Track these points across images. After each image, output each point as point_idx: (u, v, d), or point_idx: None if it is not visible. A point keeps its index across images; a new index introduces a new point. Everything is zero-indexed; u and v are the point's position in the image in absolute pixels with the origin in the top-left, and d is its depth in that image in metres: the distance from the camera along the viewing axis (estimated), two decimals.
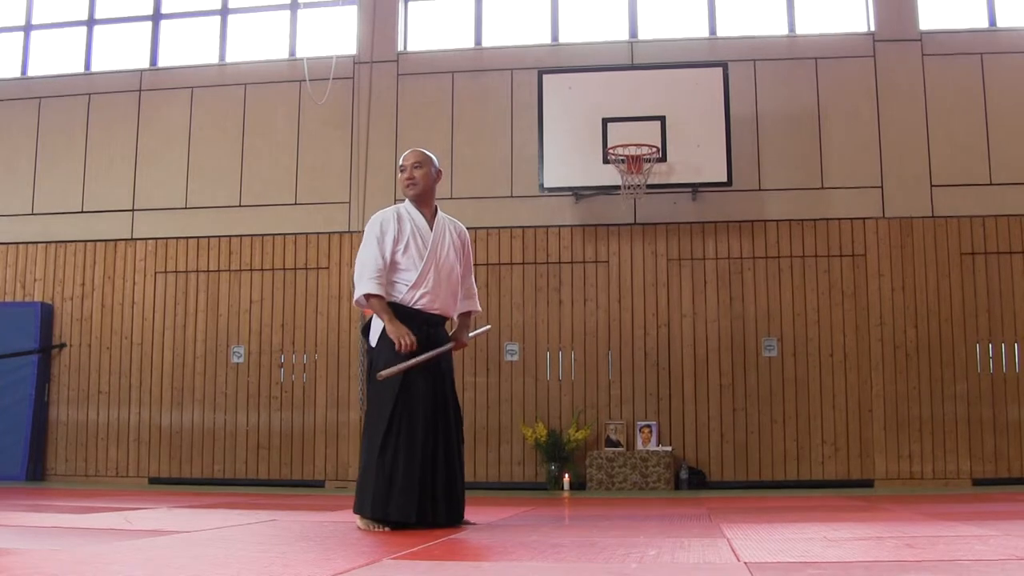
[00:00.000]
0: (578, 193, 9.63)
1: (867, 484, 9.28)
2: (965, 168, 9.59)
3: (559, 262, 9.77)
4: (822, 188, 9.67)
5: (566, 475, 9.21)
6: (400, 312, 4.57)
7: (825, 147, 9.73)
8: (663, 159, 9.27)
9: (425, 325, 4.62)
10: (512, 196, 9.86)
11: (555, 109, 9.53)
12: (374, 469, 4.43)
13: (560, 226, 9.79)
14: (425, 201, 4.75)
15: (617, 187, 9.29)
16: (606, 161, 9.32)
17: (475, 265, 9.20)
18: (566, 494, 8.68)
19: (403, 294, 4.62)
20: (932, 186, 9.58)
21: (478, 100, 10.08)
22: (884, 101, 9.73)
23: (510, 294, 9.80)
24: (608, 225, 9.70)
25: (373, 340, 4.63)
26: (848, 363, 9.49)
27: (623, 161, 9.21)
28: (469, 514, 4.87)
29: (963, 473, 9.28)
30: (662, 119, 9.37)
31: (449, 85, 10.12)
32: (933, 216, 9.56)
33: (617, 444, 9.40)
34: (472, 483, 9.04)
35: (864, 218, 9.60)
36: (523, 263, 9.80)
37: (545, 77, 9.59)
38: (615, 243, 9.70)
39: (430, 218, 4.74)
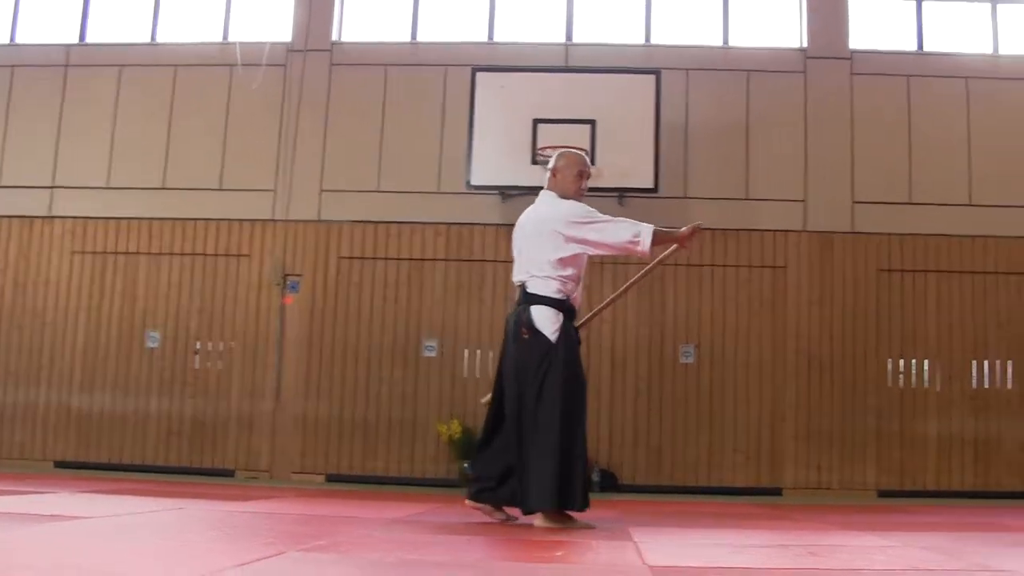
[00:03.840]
0: (505, 192, 11.96)
1: (776, 492, 11.65)
2: (886, 186, 12.12)
3: (482, 260, 12.15)
4: (747, 199, 12.20)
5: (468, 468, 11.56)
6: (566, 310, 6.09)
7: (752, 159, 12.28)
8: (591, 163, 11.71)
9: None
10: (439, 192, 12.26)
11: (487, 107, 11.83)
12: (572, 462, 5.82)
13: (485, 224, 12.17)
14: None
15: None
16: (535, 162, 11.45)
17: (398, 259, 11.69)
18: None
19: (574, 292, 6.15)
20: (854, 202, 12.14)
21: (410, 94, 12.48)
22: (812, 117, 12.30)
23: (431, 290, 12.15)
24: None
25: (551, 335, 5.96)
26: (763, 373, 11.99)
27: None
28: (390, 509, 6.77)
29: (869, 484, 11.76)
30: (593, 123, 11.67)
31: (382, 78, 12.53)
32: (853, 232, 12.10)
33: None
34: (384, 478, 11.52)
35: (786, 231, 12.11)
36: (446, 259, 12.19)
37: (479, 75, 11.93)
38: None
39: None
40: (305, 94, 12.48)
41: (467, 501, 6.24)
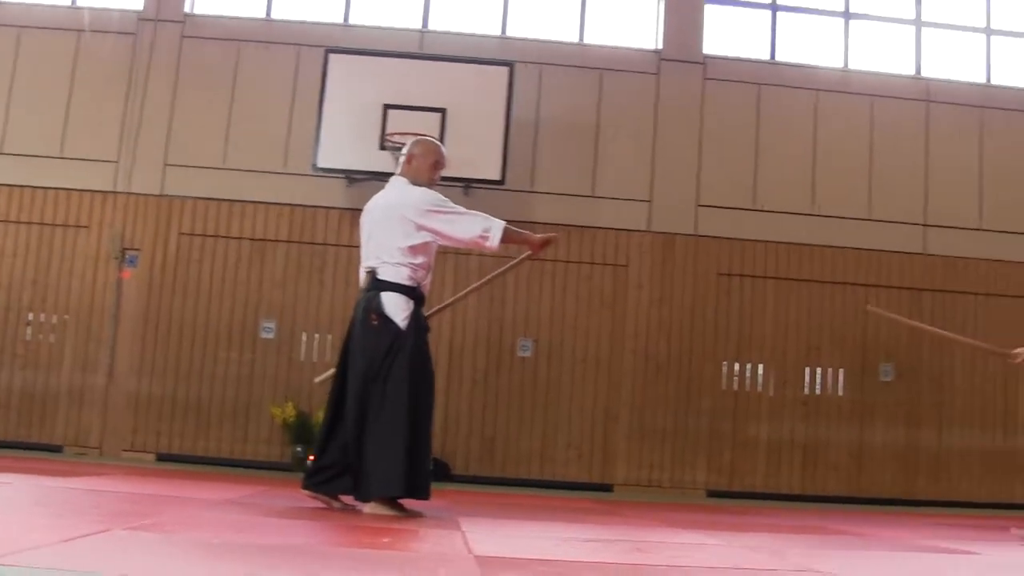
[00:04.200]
0: (351, 176, 12.09)
1: (607, 488, 11.98)
2: (731, 192, 12.52)
3: (325, 244, 12.29)
4: (593, 197, 12.50)
5: (312, 457, 11.71)
6: (417, 297, 6.18)
7: (600, 157, 12.58)
8: None
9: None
10: (285, 173, 12.38)
11: (338, 89, 11.93)
12: (419, 450, 5.93)
13: (329, 208, 12.30)
14: None
15: (391, 174, 11.83)
16: (383, 147, 11.68)
17: (240, 239, 11.77)
18: None
19: (425, 280, 6.25)
20: (698, 205, 12.53)
21: (262, 72, 12.51)
22: (662, 118, 12.64)
23: (272, 271, 12.27)
24: None
25: (401, 322, 6.05)
26: (600, 370, 12.31)
27: (399, 149, 11.77)
28: (220, 490, 6.88)
29: (699, 484, 12.17)
30: (443, 111, 11.84)
31: (235, 53, 12.55)
32: (696, 235, 12.52)
33: None
34: (216, 459, 11.61)
35: (630, 230, 12.48)
36: (288, 241, 12.28)
37: (331, 56, 12.01)
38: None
39: None
40: (154, 65, 12.47)
41: (304, 489, 6.28)
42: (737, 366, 12.38)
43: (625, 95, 12.67)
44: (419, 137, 6.81)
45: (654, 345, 12.32)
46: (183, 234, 12.24)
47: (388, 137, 11.77)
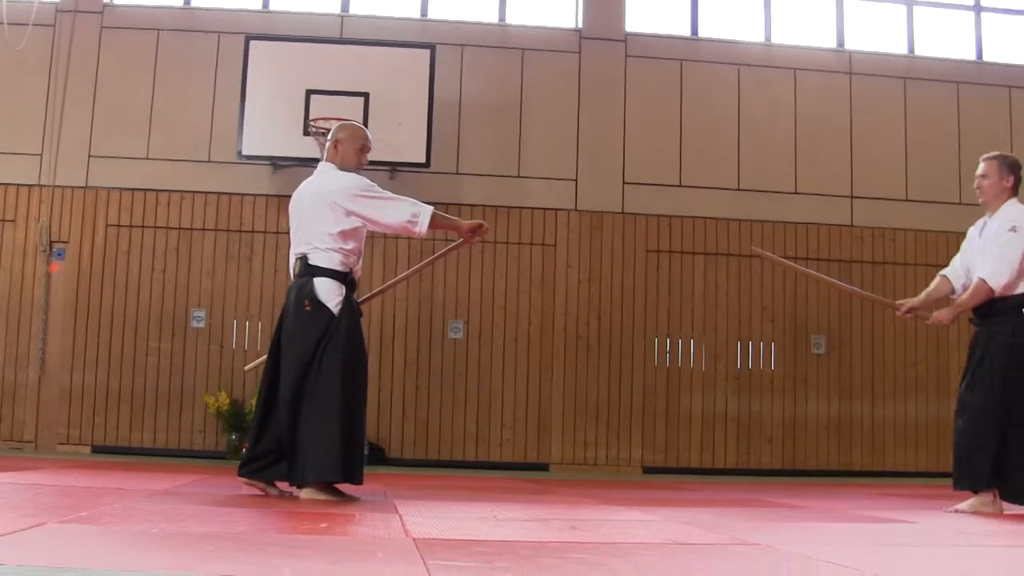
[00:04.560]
0: (276, 163, 12.29)
1: (543, 468, 12.27)
2: (656, 169, 12.80)
3: (252, 231, 12.52)
4: (519, 177, 12.77)
5: (246, 445, 11.97)
6: (349, 283, 6.28)
7: (525, 137, 12.85)
8: None
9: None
10: (209, 161, 12.60)
11: (260, 76, 12.11)
12: (352, 435, 6.04)
13: (256, 195, 12.55)
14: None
15: (316, 160, 12.04)
16: (307, 133, 11.88)
17: (167, 228, 11.99)
18: None
19: (356, 265, 6.34)
20: (624, 183, 12.83)
21: (183, 61, 12.70)
22: (585, 97, 12.92)
23: (200, 260, 12.47)
24: None
25: (334, 307, 6.15)
26: (531, 349, 12.58)
27: (323, 134, 11.99)
28: (156, 481, 6.96)
29: (635, 461, 12.47)
30: (366, 96, 12.07)
31: (154, 42, 12.72)
32: (623, 212, 12.80)
33: None
34: (151, 449, 11.83)
35: (557, 209, 12.75)
36: (216, 230, 12.50)
37: (252, 43, 12.18)
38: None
39: None
40: (74, 56, 12.66)
41: (240, 477, 6.38)
42: (669, 342, 12.67)
43: (548, 75, 12.93)
44: (343, 122, 6.94)
45: (585, 324, 12.60)
46: (110, 225, 12.44)
47: (312, 123, 11.98)
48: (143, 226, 12.45)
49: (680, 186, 12.82)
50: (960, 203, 12.99)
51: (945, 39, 13.66)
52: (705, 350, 12.74)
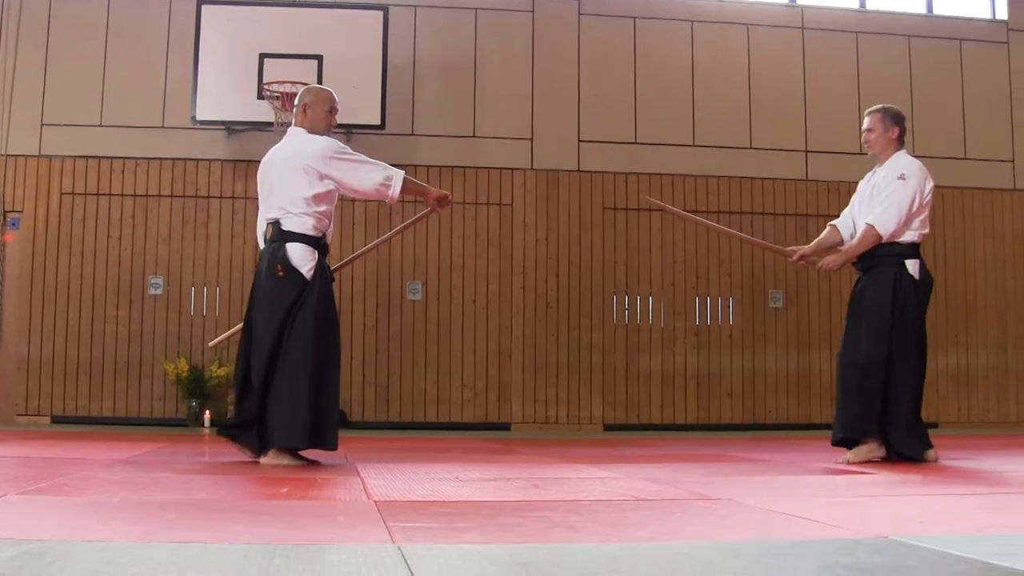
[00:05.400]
0: (231, 128, 12.20)
1: (504, 428, 12.32)
2: (611, 126, 12.77)
3: (208, 196, 12.42)
4: (474, 137, 12.73)
5: (207, 412, 11.90)
6: (322, 247, 6.22)
7: (480, 97, 12.78)
8: None
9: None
10: (163, 127, 12.46)
11: (212, 41, 12.00)
12: (325, 400, 6.04)
13: (211, 160, 12.46)
14: None
15: (271, 123, 12.04)
16: (261, 97, 11.80)
17: (123, 195, 11.88)
18: (206, 431, 11.14)
19: (328, 229, 6.27)
20: (580, 141, 12.81)
21: (134, 26, 12.50)
22: (540, 56, 12.86)
23: (156, 227, 12.36)
24: (259, 161, 12.47)
25: (307, 272, 6.08)
26: (490, 309, 12.58)
27: (277, 98, 11.92)
28: (116, 450, 6.97)
29: (596, 419, 12.54)
30: (320, 58, 12.02)
31: (104, 9, 12.53)
32: (579, 170, 12.80)
33: None
34: (111, 418, 11.76)
35: (513, 169, 12.73)
36: (171, 196, 12.38)
37: (204, 7, 12.01)
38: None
39: None
40: (24, 24, 12.44)
41: (220, 435, 6.36)
42: (627, 299, 12.70)
43: (501, 34, 12.87)
44: (309, 86, 6.86)
45: (543, 282, 12.60)
46: (65, 194, 12.29)
47: (266, 86, 11.89)
48: (98, 194, 12.31)
49: (636, 143, 12.81)
50: (913, 155, 13.06)
51: None
52: (664, 306, 12.78)
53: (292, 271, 6.12)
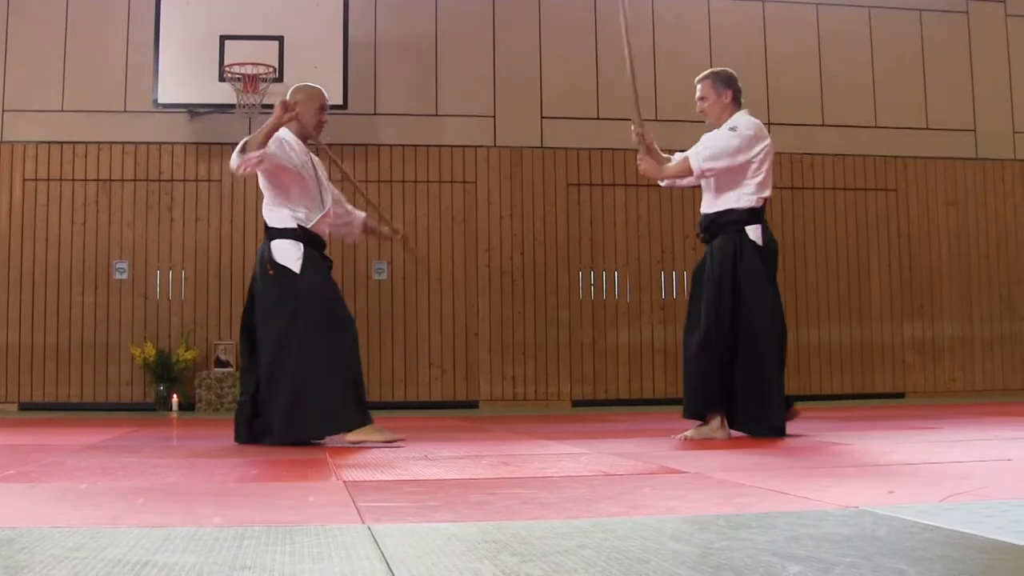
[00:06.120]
0: (193, 111, 12.12)
1: (472, 405, 12.31)
2: (574, 102, 12.75)
3: (171, 180, 12.31)
4: (437, 115, 12.69)
5: (175, 396, 11.84)
6: (308, 238, 6.14)
7: (441, 75, 12.73)
8: (280, 79, 11.95)
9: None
10: (125, 111, 12.35)
11: (173, 23, 11.89)
12: (346, 381, 6.00)
13: (174, 143, 12.34)
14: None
15: (233, 106, 11.97)
16: (222, 79, 11.84)
17: (86, 180, 11.77)
18: (174, 415, 11.12)
19: (313, 217, 6.19)
20: (543, 118, 12.79)
21: (94, 10, 12.35)
22: (501, 33, 12.79)
23: (120, 211, 12.27)
24: (223, 144, 12.18)
25: (295, 265, 6.03)
26: (456, 287, 12.57)
27: (239, 80, 11.86)
28: (84, 436, 6.96)
29: (564, 395, 12.56)
30: (281, 39, 11.95)
31: None
32: (542, 147, 12.78)
33: (227, 364, 12.14)
34: (79, 404, 11.70)
35: (476, 146, 12.69)
36: (135, 180, 12.27)
37: None
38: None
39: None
40: None
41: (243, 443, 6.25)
42: (593, 275, 12.71)
43: (462, 11, 12.80)
44: (298, 85, 6.60)
45: (508, 259, 12.59)
46: (28, 180, 12.16)
47: (227, 68, 11.83)
48: (61, 179, 12.20)
49: (598, 119, 12.79)
50: (876, 126, 13.18)
51: None
52: (629, 281, 12.80)
53: (281, 268, 6.08)
